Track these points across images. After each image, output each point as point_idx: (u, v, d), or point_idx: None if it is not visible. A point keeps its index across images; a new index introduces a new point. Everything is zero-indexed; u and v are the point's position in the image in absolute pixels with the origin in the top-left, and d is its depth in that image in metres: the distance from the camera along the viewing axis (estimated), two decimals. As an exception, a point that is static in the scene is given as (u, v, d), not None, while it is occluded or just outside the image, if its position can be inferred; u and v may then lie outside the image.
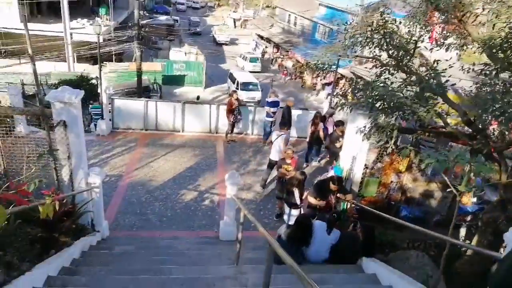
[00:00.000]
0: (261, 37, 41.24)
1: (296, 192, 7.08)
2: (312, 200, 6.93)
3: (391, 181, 7.83)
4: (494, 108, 4.33)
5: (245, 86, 24.34)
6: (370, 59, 6.62)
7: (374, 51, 6.23)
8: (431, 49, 6.44)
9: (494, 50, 5.27)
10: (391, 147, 5.89)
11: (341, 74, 24.10)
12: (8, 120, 6.34)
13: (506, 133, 5.14)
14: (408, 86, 5.73)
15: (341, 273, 5.02)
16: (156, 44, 34.04)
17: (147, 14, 38.33)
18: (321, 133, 10.51)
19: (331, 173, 7.83)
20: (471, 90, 6.54)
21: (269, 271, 2.95)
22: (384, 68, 6.20)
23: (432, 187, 7.65)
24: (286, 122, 10.83)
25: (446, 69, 5.52)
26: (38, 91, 7.13)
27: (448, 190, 3.74)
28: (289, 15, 39.05)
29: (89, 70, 23.54)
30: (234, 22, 52.75)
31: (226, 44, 43.01)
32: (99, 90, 16.13)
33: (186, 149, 11.71)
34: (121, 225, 7.65)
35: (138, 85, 20.37)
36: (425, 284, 4.08)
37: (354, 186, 7.78)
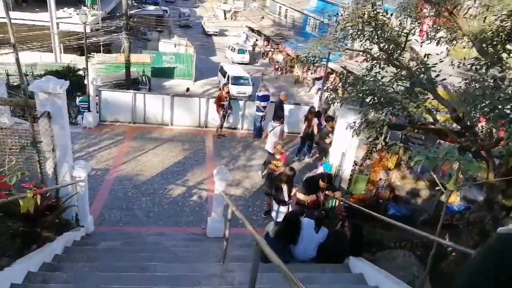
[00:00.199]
0: (252, 30, 40.95)
1: (285, 188, 7.03)
2: (301, 196, 6.89)
3: (380, 179, 7.83)
4: (484, 104, 4.29)
5: (236, 80, 24.09)
6: (361, 53, 6.55)
7: (365, 44, 6.18)
8: (422, 42, 6.40)
9: (484, 45, 5.24)
10: (381, 144, 5.87)
11: (332, 69, 24.08)
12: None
13: (494, 130, 5.13)
14: (398, 81, 5.69)
15: (327, 273, 4.98)
16: (145, 35, 33.61)
17: (136, 4, 37.67)
18: (315, 129, 10.37)
19: (320, 169, 7.79)
20: (460, 87, 6.54)
21: (256, 269, 2.91)
22: (375, 61, 6.15)
23: (420, 185, 7.67)
24: (279, 116, 10.71)
25: (436, 63, 5.49)
26: (22, 81, 6.91)
27: (437, 188, 3.71)
28: (280, 7, 38.84)
29: (77, 61, 23.12)
30: (225, 14, 52.23)
31: (215, 35, 42.68)
32: (86, 82, 15.81)
33: (175, 143, 11.56)
34: (107, 220, 7.52)
35: (126, 77, 20.09)
36: (411, 284, 4.07)
37: (343, 183, 7.76)
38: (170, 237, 6.99)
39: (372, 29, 5.83)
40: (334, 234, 5.56)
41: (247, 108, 12.93)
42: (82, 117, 13.18)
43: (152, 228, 7.42)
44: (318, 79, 25.69)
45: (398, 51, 5.93)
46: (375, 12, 5.85)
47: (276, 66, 32.25)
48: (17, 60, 6.14)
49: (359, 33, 5.92)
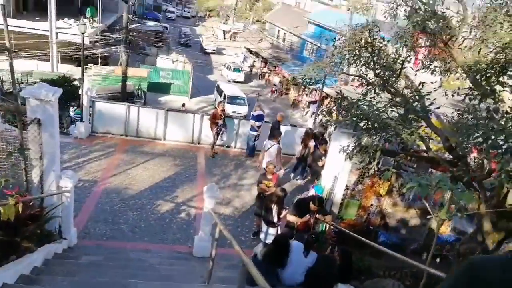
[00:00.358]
0: (250, 51, 41.56)
1: (275, 209, 6.93)
2: (291, 218, 6.79)
3: (371, 205, 7.77)
4: (477, 134, 4.30)
5: (232, 99, 24.23)
6: (356, 78, 6.63)
7: (361, 70, 6.25)
8: (417, 71, 6.50)
9: (478, 76, 5.32)
10: (374, 169, 5.84)
11: (326, 94, 24.34)
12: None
13: (486, 162, 5.14)
14: (393, 107, 5.73)
15: (315, 298, 4.85)
16: (144, 49, 33.79)
17: (136, 19, 38.08)
18: (312, 151, 10.28)
19: (311, 192, 7.73)
20: (453, 117, 6.60)
21: (241, 292, 2.80)
22: (370, 87, 6.20)
23: (411, 213, 7.62)
24: (275, 134, 10.66)
25: (430, 92, 5.55)
26: (14, 87, 6.82)
27: (428, 217, 3.66)
28: (279, 30, 39.61)
29: (74, 71, 23.06)
30: (224, 34, 53.14)
31: (213, 53, 43.50)
32: (80, 92, 15.73)
33: (166, 158, 11.44)
34: (91, 234, 7.33)
35: (122, 90, 20.04)
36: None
37: (334, 207, 7.69)
38: (155, 254, 6.81)
39: (369, 54, 5.91)
40: (323, 259, 5.42)
41: (241, 127, 12.89)
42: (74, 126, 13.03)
43: (138, 244, 7.24)
44: (313, 102, 25.90)
45: (393, 78, 6.01)
46: (372, 38, 5.94)
47: (273, 89, 32.48)
48: (11, 64, 6.06)
49: (355, 58, 6.00)
